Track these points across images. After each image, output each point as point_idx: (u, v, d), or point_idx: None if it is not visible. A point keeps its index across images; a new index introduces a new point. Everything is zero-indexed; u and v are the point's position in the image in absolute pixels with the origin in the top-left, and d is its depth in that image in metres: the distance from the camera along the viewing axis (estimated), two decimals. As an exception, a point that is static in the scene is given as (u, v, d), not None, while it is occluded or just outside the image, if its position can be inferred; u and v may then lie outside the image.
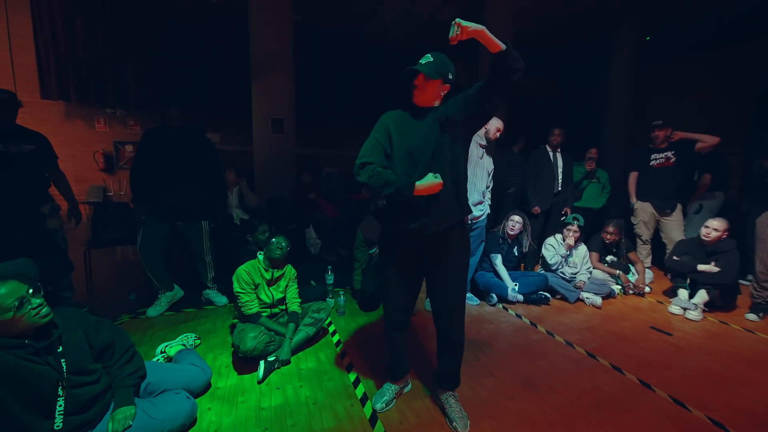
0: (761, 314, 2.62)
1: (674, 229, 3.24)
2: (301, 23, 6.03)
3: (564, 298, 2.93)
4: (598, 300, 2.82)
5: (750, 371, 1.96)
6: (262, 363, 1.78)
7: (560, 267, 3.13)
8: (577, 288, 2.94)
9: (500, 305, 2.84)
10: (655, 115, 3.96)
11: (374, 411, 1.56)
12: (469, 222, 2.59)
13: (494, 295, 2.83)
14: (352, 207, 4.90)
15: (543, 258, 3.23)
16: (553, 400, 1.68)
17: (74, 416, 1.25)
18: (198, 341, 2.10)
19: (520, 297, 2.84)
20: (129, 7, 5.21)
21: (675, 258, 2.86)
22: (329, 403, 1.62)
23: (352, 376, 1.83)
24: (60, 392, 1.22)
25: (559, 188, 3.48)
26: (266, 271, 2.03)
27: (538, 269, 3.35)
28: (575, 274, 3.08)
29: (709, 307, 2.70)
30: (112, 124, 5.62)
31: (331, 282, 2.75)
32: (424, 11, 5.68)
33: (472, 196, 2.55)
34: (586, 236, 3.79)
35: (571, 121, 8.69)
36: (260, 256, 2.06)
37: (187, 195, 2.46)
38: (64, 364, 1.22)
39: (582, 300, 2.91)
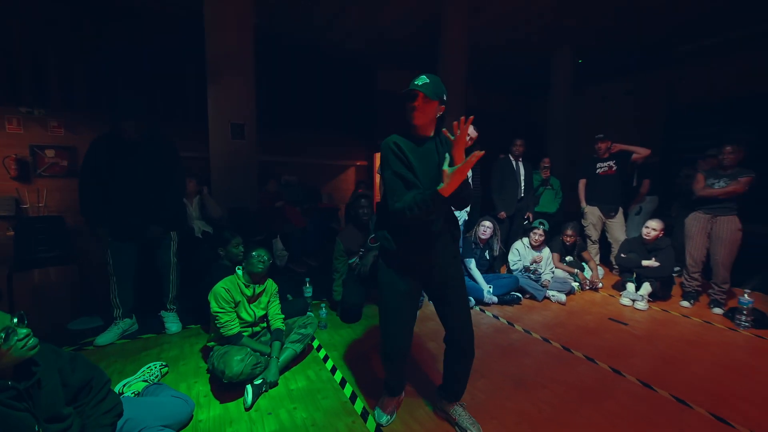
0: (692, 301, 3.04)
1: (618, 229, 3.65)
2: (261, 28, 5.81)
3: (533, 297, 3.12)
4: (563, 297, 3.06)
5: (694, 351, 2.25)
6: (249, 387, 1.63)
7: (522, 271, 3.33)
8: (543, 287, 3.15)
9: (477, 307, 2.94)
10: (592, 129, 4.45)
11: (378, 426, 1.51)
12: None
13: (471, 299, 2.92)
14: (320, 217, 4.77)
15: (509, 261, 3.42)
16: (544, 396, 1.76)
17: (42, 470, 1.03)
18: (165, 369, 1.86)
19: (495, 298, 2.96)
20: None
21: (623, 255, 3.21)
22: (330, 423, 1.52)
23: (348, 392, 1.75)
24: None
25: (522, 194, 3.74)
26: (247, 287, 1.87)
27: (504, 271, 3.54)
28: (540, 274, 3.30)
29: (652, 297, 3.06)
30: (28, 126, 4.83)
31: (310, 295, 2.63)
32: (382, 25, 5.81)
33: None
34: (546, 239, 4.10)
35: (519, 133, 9.45)
36: (239, 272, 1.90)
37: (153, 212, 2.20)
38: (38, 410, 1.02)
39: (548, 298, 3.13)
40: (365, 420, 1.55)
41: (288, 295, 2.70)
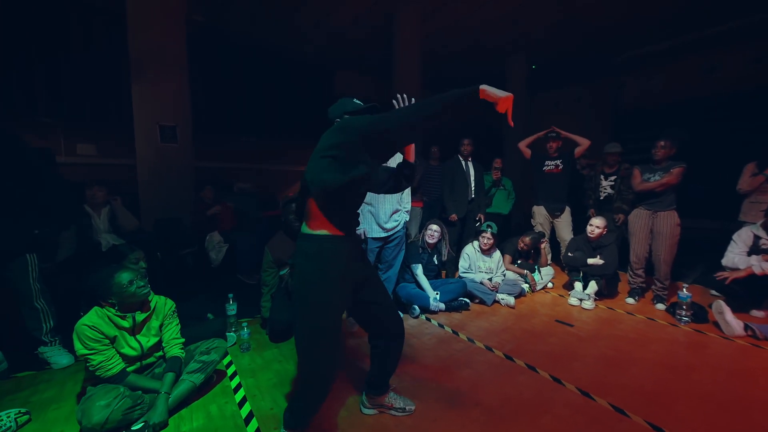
0: (637, 297, 3.03)
1: (564, 229, 3.64)
2: (209, 27, 5.49)
3: (482, 302, 2.99)
4: (512, 300, 2.95)
5: (635, 350, 2.19)
6: (122, 436, 1.33)
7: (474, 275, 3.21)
8: (492, 290, 3.03)
9: (423, 316, 2.76)
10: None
11: (277, 472, 1.26)
12: (387, 234, 2.49)
13: (416, 307, 2.74)
14: (266, 225, 4.45)
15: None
16: (476, 414, 1.59)
17: None
18: (25, 417, 1.51)
19: (442, 305, 2.80)
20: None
21: (569, 254, 3.17)
22: (217, 474, 1.26)
23: (252, 429, 1.49)
24: None
25: (473, 196, 3.64)
26: (123, 318, 1.55)
27: (458, 275, 3.40)
28: (491, 278, 3.19)
29: (598, 295, 3.03)
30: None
31: (234, 312, 2.34)
32: (335, 27, 5.66)
33: (385, 206, 2.45)
34: (499, 240, 4.04)
35: (477, 136, 9.62)
36: (99, 309, 1.53)
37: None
38: None
39: (498, 301, 3.01)
40: (263, 464, 1.30)
41: (209, 314, 2.39)
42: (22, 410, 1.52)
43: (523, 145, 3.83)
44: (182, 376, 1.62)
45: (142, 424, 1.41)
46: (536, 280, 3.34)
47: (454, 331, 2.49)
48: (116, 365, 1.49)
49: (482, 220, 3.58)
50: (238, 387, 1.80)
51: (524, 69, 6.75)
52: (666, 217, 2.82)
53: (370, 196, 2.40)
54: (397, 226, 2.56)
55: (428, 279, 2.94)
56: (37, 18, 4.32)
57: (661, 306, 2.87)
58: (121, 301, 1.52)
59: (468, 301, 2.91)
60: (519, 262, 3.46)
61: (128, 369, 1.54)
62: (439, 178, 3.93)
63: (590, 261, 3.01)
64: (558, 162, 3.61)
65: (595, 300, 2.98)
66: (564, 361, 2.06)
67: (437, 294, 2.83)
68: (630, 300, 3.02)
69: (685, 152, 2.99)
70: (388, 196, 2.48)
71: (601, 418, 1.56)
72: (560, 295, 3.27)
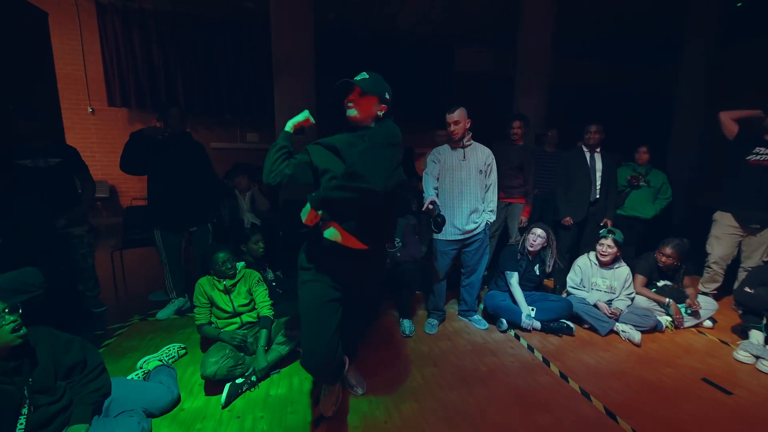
0: None
1: (757, 250, 2.54)
2: (330, 24, 6.05)
3: (593, 329, 2.48)
4: (637, 336, 2.33)
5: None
6: (227, 386, 1.74)
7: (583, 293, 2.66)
8: (611, 317, 2.47)
9: (512, 332, 2.49)
10: (732, 103, 3.04)
11: (325, 458, 1.43)
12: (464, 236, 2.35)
13: (504, 321, 2.49)
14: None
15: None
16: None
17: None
18: (183, 351, 2.14)
19: (537, 324, 2.46)
20: (173, 19, 5.67)
21: (747, 290, 2.24)
22: (281, 442, 1.52)
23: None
24: (23, 411, 1.27)
25: (597, 196, 2.92)
26: (219, 282, 2.01)
27: (564, 293, 2.88)
28: (611, 300, 2.59)
29: (794, 358, 2.07)
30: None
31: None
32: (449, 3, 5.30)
33: (462, 205, 2.30)
34: (635, 251, 3.21)
35: (636, 111, 7.63)
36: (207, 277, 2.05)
37: (193, 200, 2.60)
38: (30, 383, 1.26)
39: (617, 333, 2.44)
40: (316, 447, 1.49)
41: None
42: (183, 346, 2.16)
43: (729, 116, 2.59)
44: (272, 346, 1.98)
45: (243, 380, 1.80)
46: (684, 313, 2.53)
47: (544, 359, 2.16)
48: (201, 318, 2.00)
49: (609, 226, 2.86)
50: (318, 365, 2.07)
51: (709, 20, 4.88)
52: None
53: (443, 195, 2.29)
54: (477, 228, 2.35)
55: (526, 291, 2.62)
56: (216, 40, 5.63)
57: None
58: (216, 271, 1.99)
59: (572, 325, 2.46)
60: (662, 284, 2.66)
61: (227, 324, 2.01)
62: (554, 169, 3.29)
63: (784, 306, 2.07)
64: None
65: (786, 362, 2.06)
66: (694, 441, 1.54)
67: (532, 310, 2.49)
68: None
69: None
70: (466, 194, 2.30)
71: None
72: (722, 342, 2.38)
